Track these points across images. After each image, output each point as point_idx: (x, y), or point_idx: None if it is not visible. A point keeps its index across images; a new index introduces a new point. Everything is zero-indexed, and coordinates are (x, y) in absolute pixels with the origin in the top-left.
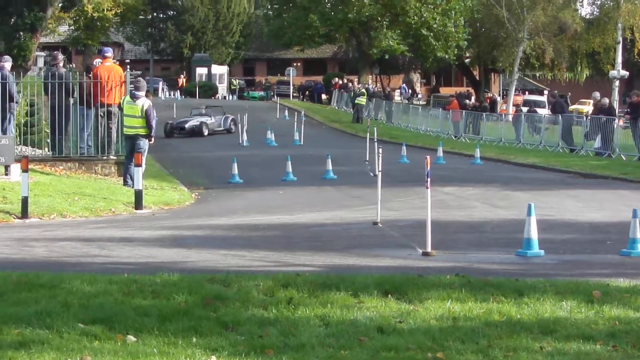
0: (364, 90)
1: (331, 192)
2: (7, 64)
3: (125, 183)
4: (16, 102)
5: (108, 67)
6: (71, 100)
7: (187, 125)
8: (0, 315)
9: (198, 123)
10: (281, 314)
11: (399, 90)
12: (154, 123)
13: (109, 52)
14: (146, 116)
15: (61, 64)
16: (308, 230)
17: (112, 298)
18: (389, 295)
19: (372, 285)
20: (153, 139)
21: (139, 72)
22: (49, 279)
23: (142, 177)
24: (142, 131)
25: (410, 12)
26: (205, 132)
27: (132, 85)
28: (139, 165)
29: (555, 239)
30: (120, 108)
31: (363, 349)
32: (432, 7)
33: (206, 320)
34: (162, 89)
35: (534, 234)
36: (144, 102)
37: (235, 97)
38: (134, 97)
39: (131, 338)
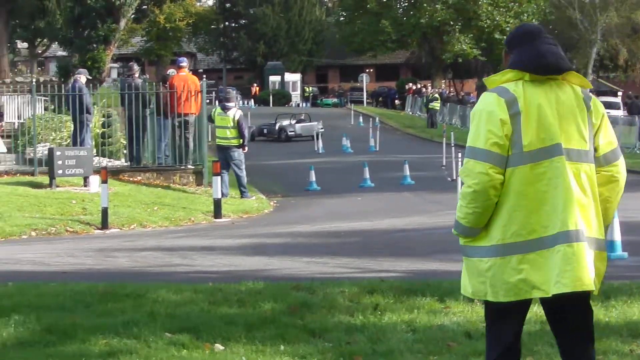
0: (437, 95)
1: (410, 198)
2: (83, 76)
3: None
4: (90, 114)
5: (183, 76)
6: (147, 111)
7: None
8: (88, 325)
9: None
10: (368, 320)
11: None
12: (246, 132)
13: (184, 62)
14: (238, 126)
15: (137, 75)
16: (389, 236)
17: (198, 307)
18: (475, 300)
19: (458, 290)
20: (246, 148)
21: (212, 82)
22: (135, 289)
23: (244, 184)
24: (234, 142)
25: (483, 15)
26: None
27: (221, 95)
28: (218, 174)
29: (639, 241)
30: (211, 120)
31: (452, 354)
32: (504, 10)
33: (293, 327)
34: (236, 98)
35: (617, 236)
36: (235, 112)
37: (308, 104)
38: (224, 109)
39: (219, 347)
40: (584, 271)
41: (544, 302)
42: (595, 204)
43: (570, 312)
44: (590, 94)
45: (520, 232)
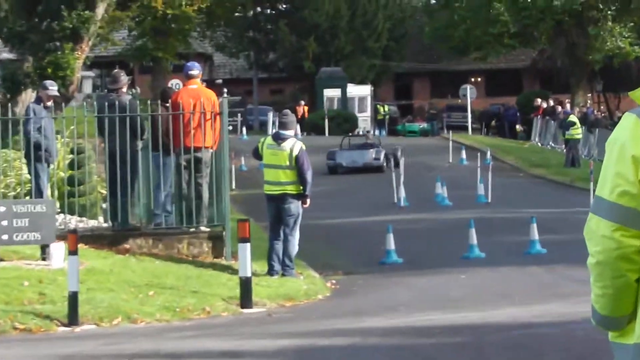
0: (573, 118)
1: (540, 275)
2: (45, 92)
3: (270, 270)
4: (45, 151)
5: (194, 91)
6: (139, 144)
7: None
8: None
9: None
10: None
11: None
12: (309, 176)
13: (196, 68)
14: (298, 166)
15: (124, 89)
16: (508, 334)
17: None
18: None
19: None
20: (308, 201)
21: (238, 98)
22: None
23: (293, 257)
24: (291, 189)
25: None
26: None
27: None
28: (246, 240)
29: None
30: (258, 155)
31: None
32: None
33: None
34: (274, 123)
35: None
36: (294, 144)
37: (384, 131)
38: (278, 139)
39: None
40: None
41: None
42: None
43: None
44: None
45: None
